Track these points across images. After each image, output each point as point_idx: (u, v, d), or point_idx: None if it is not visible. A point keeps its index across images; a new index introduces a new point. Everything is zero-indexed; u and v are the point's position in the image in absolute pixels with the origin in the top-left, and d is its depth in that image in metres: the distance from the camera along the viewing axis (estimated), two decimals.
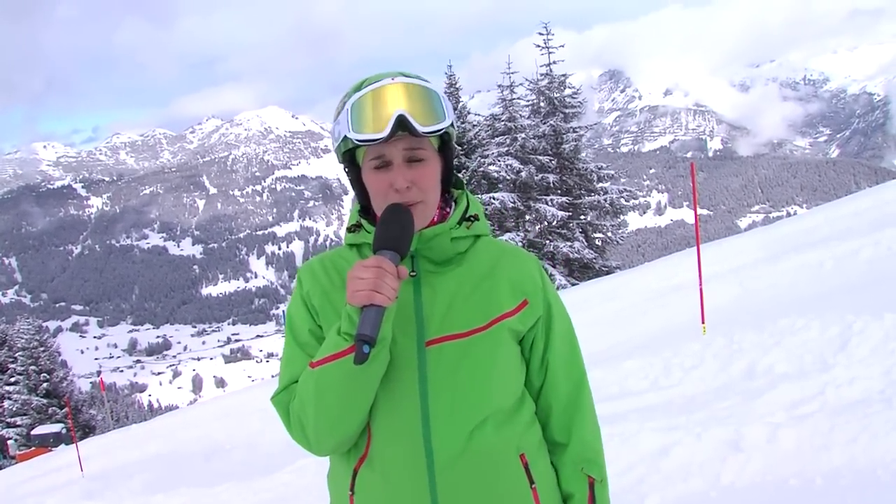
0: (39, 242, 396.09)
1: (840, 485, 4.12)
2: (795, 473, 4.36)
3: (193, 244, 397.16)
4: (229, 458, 11.78)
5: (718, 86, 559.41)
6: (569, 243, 29.26)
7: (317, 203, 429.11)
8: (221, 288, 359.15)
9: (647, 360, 7.62)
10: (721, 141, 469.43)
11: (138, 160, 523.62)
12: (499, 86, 31.59)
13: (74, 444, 18.28)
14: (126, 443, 19.05)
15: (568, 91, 31.66)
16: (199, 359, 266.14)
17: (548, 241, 29.26)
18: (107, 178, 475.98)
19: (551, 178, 29.88)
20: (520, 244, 28.25)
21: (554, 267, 28.69)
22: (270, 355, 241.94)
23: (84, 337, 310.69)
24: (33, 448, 39.32)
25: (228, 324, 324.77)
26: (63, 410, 43.37)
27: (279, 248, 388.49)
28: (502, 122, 30.81)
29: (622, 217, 32.39)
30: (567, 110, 31.12)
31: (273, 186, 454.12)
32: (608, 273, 26.56)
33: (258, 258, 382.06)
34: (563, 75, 31.55)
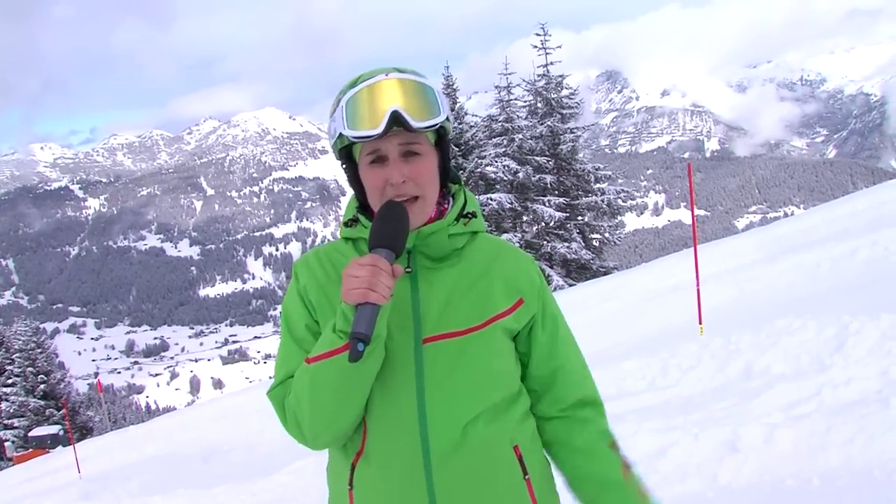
0: (36, 244, 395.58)
1: (837, 485, 4.13)
2: (792, 474, 4.37)
3: (191, 245, 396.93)
4: (227, 459, 11.77)
5: (716, 86, 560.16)
6: (566, 244, 29.27)
7: (314, 204, 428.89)
8: (219, 289, 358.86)
9: (645, 360, 7.63)
10: (718, 141, 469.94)
11: (135, 161, 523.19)
12: (496, 87, 31.60)
13: (72, 446, 18.26)
14: (124, 444, 19.03)
15: (565, 92, 31.66)
16: (196, 360, 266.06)
17: (545, 242, 29.26)
18: (104, 180, 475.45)
19: (548, 178, 29.90)
20: (517, 245, 28.26)
21: (551, 268, 28.68)
22: (268, 356, 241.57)
23: (81, 338, 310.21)
24: (31, 450, 39.22)
25: (226, 325, 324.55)
26: (60, 412, 43.34)
27: (277, 250, 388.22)
28: (499, 123, 30.82)
29: (619, 218, 32.39)
30: (564, 111, 31.13)
31: (270, 187, 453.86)
32: (605, 274, 26.57)
33: (256, 259, 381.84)
34: (561, 76, 31.57)
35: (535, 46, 31.05)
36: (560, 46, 31.41)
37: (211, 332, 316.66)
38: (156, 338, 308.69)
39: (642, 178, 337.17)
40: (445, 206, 1.80)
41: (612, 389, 7.17)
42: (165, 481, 11.23)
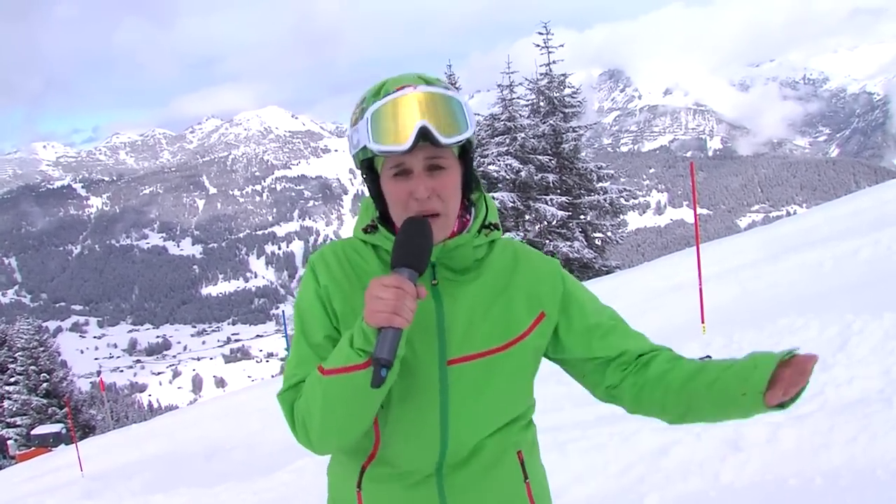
0: (39, 242, 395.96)
1: (839, 484, 4.12)
2: (795, 473, 4.36)
3: (193, 244, 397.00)
4: (229, 458, 11.78)
5: (718, 85, 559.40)
6: (568, 243, 29.28)
7: (316, 203, 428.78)
8: (221, 288, 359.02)
9: None
10: (721, 140, 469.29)
11: (138, 160, 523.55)
12: (498, 85, 31.63)
13: (74, 444, 18.28)
14: (126, 443, 19.07)
15: (567, 90, 31.68)
16: (198, 359, 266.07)
17: (547, 241, 29.26)
18: (106, 178, 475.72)
19: (551, 177, 29.90)
20: None
21: None
22: (270, 355, 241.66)
23: (84, 337, 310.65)
24: (33, 448, 39.33)
25: (228, 324, 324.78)
26: (63, 410, 43.39)
27: (279, 248, 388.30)
28: (502, 122, 30.83)
29: (622, 217, 32.40)
30: (567, 110, 31.13)
31: (273, 186, 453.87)
32: (608, 273, 26.56)
33: (258, 258, 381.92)
34: (563, 75, 31.58)
35: (538, 45, 31.07)
36: (562, 45, 31.44)
37: (213, 331, 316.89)
38: (158, 336, 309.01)
39: (645, 176, 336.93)
40: (467, 217, 1.78)
41: None
42: (167, 480, 11.24)
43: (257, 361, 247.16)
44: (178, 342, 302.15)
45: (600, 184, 31.27)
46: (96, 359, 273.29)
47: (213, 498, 8.36)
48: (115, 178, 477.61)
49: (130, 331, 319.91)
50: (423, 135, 1.56)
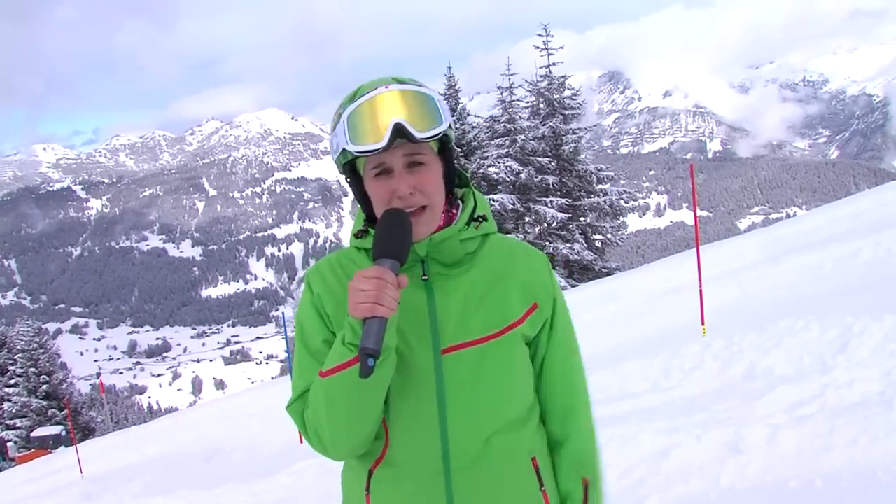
0: (39, 244, 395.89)
1: (840, 487, 4.12)
2: (795, 475, 4.36)
3: (193, 246, 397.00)
4: (229, 460, 11.78)
5: (718, 87, 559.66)
6: (568, 245, 29.27)
7: (316, 205, 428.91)
8: (221, 290, 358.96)
9: (647, 361, 7.63)
10: (721, 142, 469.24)
11: (138, 162, 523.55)
12: (498, 87, 31.62)
13: (74, 447, 18.28)
14: (126, 445, 19.07)
15: (567, 92, 31.67)
16: (198, 361, 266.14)
17: (547, 243, 29.26)
18: (106, 180, 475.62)
19: (551, 179, 29.90)
20: None
21: (554, 268, 28.63)
22: (270, 357, 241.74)
23: (84, 339, 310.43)
24: (33, 450, 39.25)
25: (228, 326, 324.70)
26: (63, 412, 43.36)
27: (279, 250, 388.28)
28: (502, 124, 30.83)
29: (622, 218, 32.41)
30: (566, 112, 31.13)
31: (273, 188, 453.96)
32: (608, 275, 26.55)
33: (258, 260, 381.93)
34: (563, 77, 31.56)
35: (538, 47, 31.05)
36: (562, 47, 31.42)
37: (213, 333, 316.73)
38: (158, 338, 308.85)
39: (644, 178, 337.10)
40: (454, 211, 1.80)
41: (614, 390, 7.18)
42: (167, 482, 11.24)
43: (257, 363, 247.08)
44: (178, 344, 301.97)
45: (600, 186, 31.28)
46: (96, 361, 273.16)
47: (213, 500, 8.36)
48: (114, 180, 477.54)
49: (130, 333, 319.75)
50: (399, 131, 1.59)
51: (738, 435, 4.88)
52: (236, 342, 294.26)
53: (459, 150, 29.79)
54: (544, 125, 30.58)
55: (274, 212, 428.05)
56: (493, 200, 28.30)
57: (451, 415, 1.68)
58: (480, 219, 1.78)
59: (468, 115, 32.24)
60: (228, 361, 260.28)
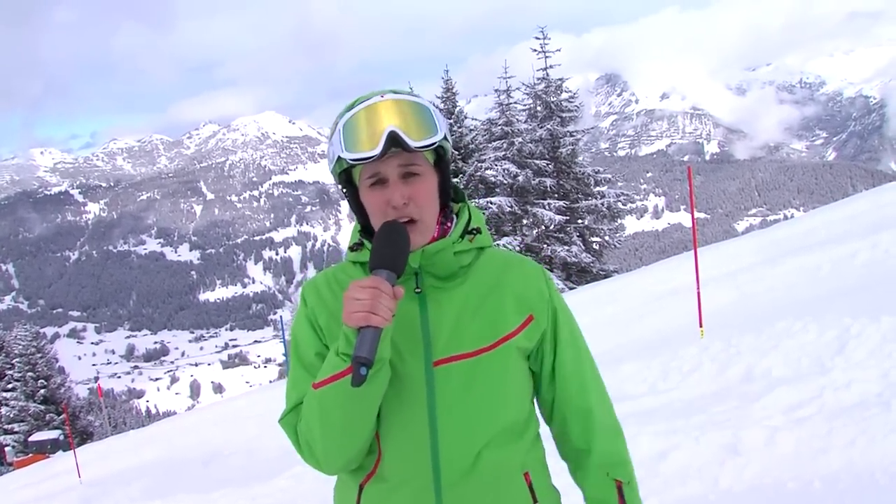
0: (36, 248, 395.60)
1: (838, 488, 4.13)
2: (793, 477, 4.37)
3: (191, 250, 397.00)
4: (227, 463, 11.76)
5: (715, 89, 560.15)
6: (566, 247, 29.29)
7: (314, 208, 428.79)
8: (219, 293, 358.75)
9: (645, 363, 7.63)
10: (718, 144, 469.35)
11: (135, 166, 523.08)
12: (495, 90, 31.64)
13: (72, 451, 18.26)
14: (124, 449, 19.03)
15: (564, 95, 31.72)
16: (196, 364, 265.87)
17: (545, 246, 29.27)
18: (104, 184, 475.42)
19: (548, 182, 29.92)
20: (517, 248, 28.26)
21: (551, 271, 28.68)
22: (268, 360, 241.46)
23: (81, 343, 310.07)
24: (31, 455, 39.23)
25: (226, 329, 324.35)
26: (61, 417, 43.34)
27: (277, 254, 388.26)
28: (499, 127, 30.85)
29: (619, 221, 32.44)
30: (564, 114, 31.17)
31: (270, 191, 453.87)
32: (606, 277, 26.57)
33: (256, 263, 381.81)
34: (560, 79, 31.61)
35: (535, 50, 31.12)
36: (559, 50, 31.49)
37: (211, 337, 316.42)
38: (156, 342, 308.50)
39: (642, 181, 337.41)
40: (448, 224, 1.79)
41: (612, 392, 7.06)
42: (165, 486, 11.23)
43: (255, 367, 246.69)
44: (176, 348, 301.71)
45: (598, 188, 31.33)
46: (94, 365, 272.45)
47: None
48: (112, 183, 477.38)
49: (128, 337, 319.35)
50: (393, 139, 1.59)
51: (737, 437, 4.88)
52: (234, 346, 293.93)
53: (457, 152, 29.82)
54: (542, 128, 30.62)
55: (272, 215, 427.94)
56: (491, 203, 28.32)
57: (441, 428, 1.66)
58: (475, 231, 1.77)
59: (465, 117, 32.29)
60: (226, 365, 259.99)
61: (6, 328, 56.45)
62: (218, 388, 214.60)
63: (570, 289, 25.30)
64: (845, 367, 5.75)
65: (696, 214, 9.93)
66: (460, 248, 1.73)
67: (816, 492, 4.16)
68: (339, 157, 1.66)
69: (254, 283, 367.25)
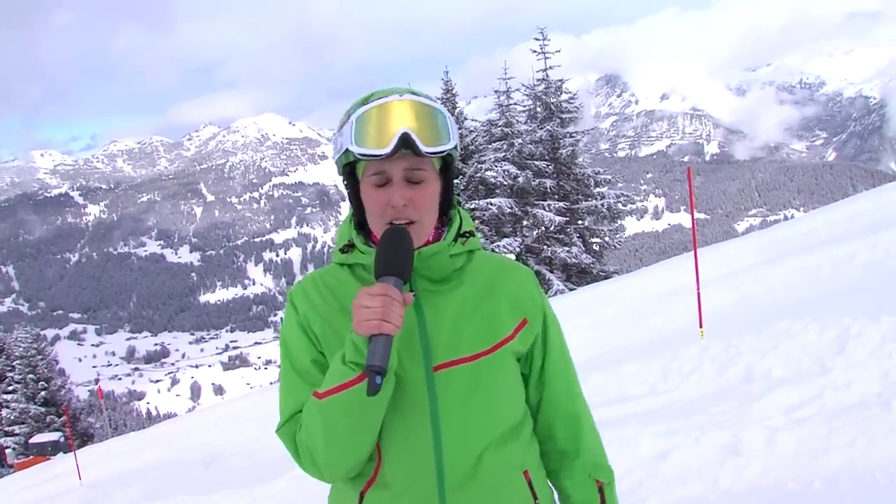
0: (37, 250, 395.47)
1: (838, 488, 4.13)
2: (794, 477, 4.37)
3: (191, 251, 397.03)
4: (228, 465, 11.75)
5: (715, 90, 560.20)
6: (566, 248, 29.28)
7: (314, 210, 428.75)
8: (219, 295, 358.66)
9: (646, 364, 7.63)
10: (718, 145, 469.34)
11: (135, 168, 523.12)
12: (495, 91, 31.66)
13: (73, 453, 18.25)
14: (124, 451, 19.01)
15: (564, 96, 31.74)
16: (197, 366, 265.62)
17: (545, 247, 29.27)
18: (104, 186, 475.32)
19: (548, 183, 29.92)
20: (517, 249, 28.28)
21: (551, 272, 28.69)
22: (269, 362, 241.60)
23: (82, 345, 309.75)
24: (31, 457, 39.20)
25: (226, 331, 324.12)
26: (61, 419, 43.33)
27: (277, 255, 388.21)
28: (499, 128, 30.85)
29: (619, 222, 32.42)
30: (564, 115, 31.18)
31: (270, 193, 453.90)
32: (606, 278, 26.56)
33: (256, 265, 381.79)
34: (560, 80, 31.62)
35: (535, 51, 31.12)
36: (559, 51, 31.50)
37: (211, 338, 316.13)
38: (156, 344, 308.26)
39: (642, 181, 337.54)
40: (443, 229, 1.78)
41: (613, 393, 7.18)
42: (166, 488, 11.22)
43: (256, 369, 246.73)
44: (177, 350, 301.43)
45: (598, 189, 31.32)
46: (94, 367, 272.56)
47: None
48: (112, 185, 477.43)
49: (128, 338, 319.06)
50: (405, 142, 1.57)
51: (737, 437, 4.88)
52: (235, 347, 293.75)
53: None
54: (542, 129, 30.62)
55: (272, 217, 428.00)
56: (491, 204, 28.33)
57: (444, 432, 1.66)
58: (467, 234, 1.77)
59: (466, 119, 32.31)
60: (227, 367, 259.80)
61: (7, 330, 56.45)
62: (218, 390, 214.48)
63: (571, 290, 25.30)
64: (846, 368, 5.75)
65: (697, 215, 9.93)
66: (454, 251, 1.73)
67: (817, 492, 4.16)
68: (347, 150, 1.64)
69: (254, 284, 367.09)
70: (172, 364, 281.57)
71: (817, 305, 8.13)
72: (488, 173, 28.95)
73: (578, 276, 29.45)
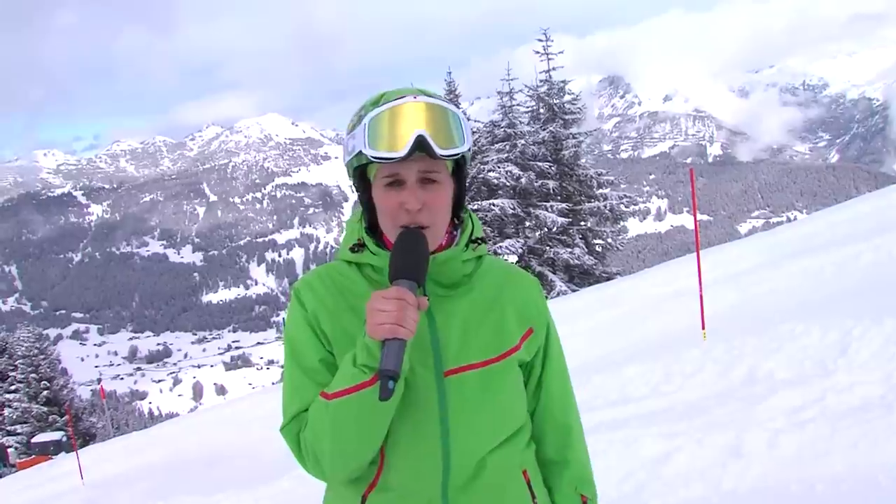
0: (40, 250, 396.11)
1: (841, 490, 4.13)
2: (796, 479, 4.37)
3: (194, 251, 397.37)
4: (230, 465, 11.77)
5: (718, 91, 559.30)
6: (569, 249, 29.26)
7: (317, 210, 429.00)
8: (222, 295, 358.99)
9: (648, 366, 7.62)
10: (721, 146, 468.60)
11: (138, 168, 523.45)
12: (498, 92, 31.65)
13: (75, 452, 18.27)
14: (126, 451, 19.05)
15: (567, 97, 31.70)
16: (199, 366, 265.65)
17: (548, 248, 29.25)
18: (107, 186, 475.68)
19: (551, 184, 29.89)
20: (520, 250, 28.29)
21: (554, 273, 28.68)
22: (271, 362, 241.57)
23: (84, 344, 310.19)
24: (34, 456, 39.25)
25: (229, 331, 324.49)
26: (63, 418, 43.34)
27: (279, 256, 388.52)
28: (502, 129, 30.84)
29: (622, 223, 32.40)
30: (566, 116, 31.16)
31: (273, 193, 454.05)
32: (608, 279, 26.56)
33: (258, 265, 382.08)
34: (563, 81, 31.59)
35: (538, 52, 31.09)
36: (562, 52, 31.44)
37: (214, 339, 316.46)
38: (159, 344, 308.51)
39: (645, 183, 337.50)
40: (455, 233, 1.78)
41: (615, 395, 7.17)
42: (168, 487, 11.24)
43: (258, 369, 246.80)
44: (179, 350, 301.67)
45: (600, 190, 31.29)
46: (97, 366, 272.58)
47: None
48: (115, 185, 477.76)
49: (131, 338, 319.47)
50: (420, 144, 1.56)
51: (739, 439, 4.88)
52: (237, 347, 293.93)
53: None
54: (544, 130, 30.60)
55: (274, 217, 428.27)
56: (494, 205, 28.32)
57: (453, 437, 1.65)
58: (479, 241, 1.77)
59: (468, 120, 32.15)
60: (229, 367, 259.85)
61: (9, 330, 56.59)
62: (220, 390, 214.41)
63: (573, 291, 25.29)
64: (848, 370, 5.75)
65: (699, 217, 9.93)
66: (466, 257, 1.73)
67: (819, 494, 4.16)
68: (360, 152, 1.62)
69: (256, 284, 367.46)
70: (175, 364, 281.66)
71: (820, 307, 8.12)
72: (491, 174, 28.94)
73: (581, 277, 29.43)
